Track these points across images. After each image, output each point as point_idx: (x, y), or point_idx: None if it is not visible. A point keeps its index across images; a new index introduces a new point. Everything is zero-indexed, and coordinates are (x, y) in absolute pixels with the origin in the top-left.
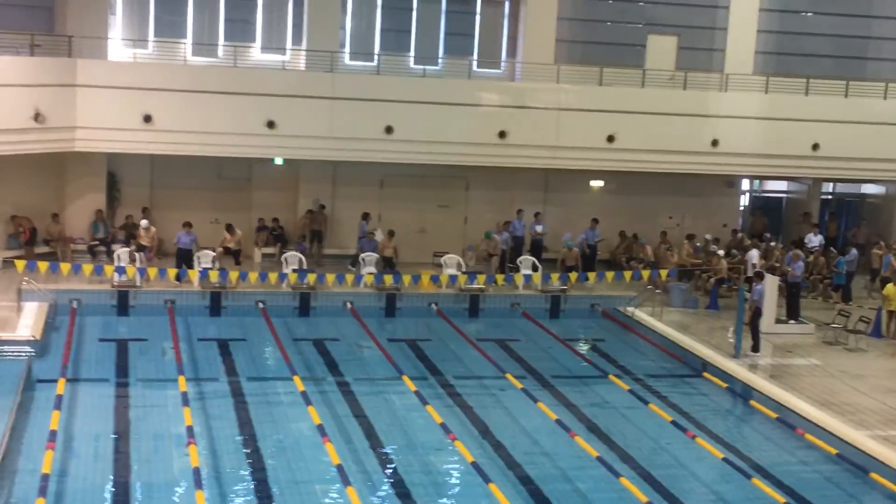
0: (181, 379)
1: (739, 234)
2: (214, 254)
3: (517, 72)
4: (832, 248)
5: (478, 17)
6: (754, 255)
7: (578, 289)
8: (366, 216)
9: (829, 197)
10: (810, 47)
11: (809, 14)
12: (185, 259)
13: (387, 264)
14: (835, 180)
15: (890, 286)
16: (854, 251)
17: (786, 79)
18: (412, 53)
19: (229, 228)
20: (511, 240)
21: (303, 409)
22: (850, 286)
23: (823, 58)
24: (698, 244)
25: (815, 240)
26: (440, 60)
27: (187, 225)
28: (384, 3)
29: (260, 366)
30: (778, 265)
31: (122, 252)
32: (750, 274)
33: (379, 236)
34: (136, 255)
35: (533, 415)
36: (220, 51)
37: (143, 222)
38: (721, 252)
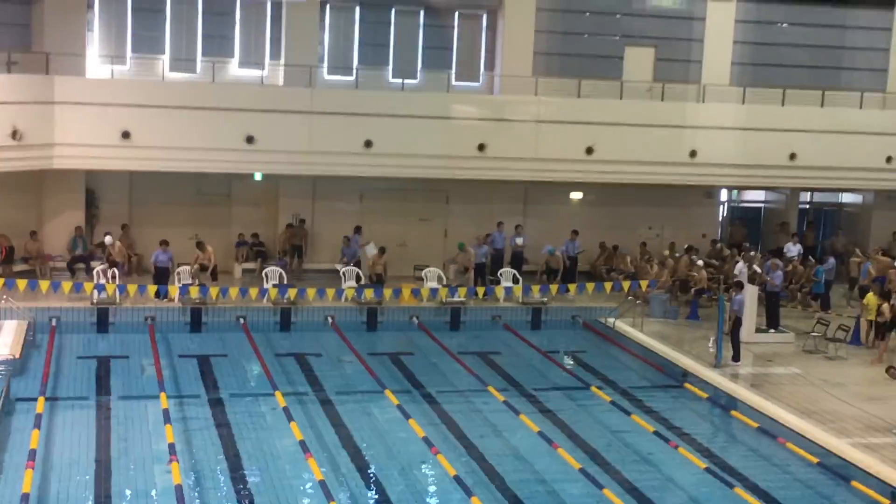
0: (162, 396)
1: (718, 245)
2: (188, 267)
3: (496, 85)
4: (811, 258)
5: (456, 31)
6: (741, 268)
7: (559, 300)
8: (358, 229)
9: (807, 206)
10: (786, 58)
11: (785, 25)
12: (163, 277)
13: (377, 281)
14: (812, 190)
15: (870, 295)
16: (832, 260)
17: (762, 89)
18: (390, 67)
19: (199, 246)
20: (491, 252)
21: (285, 424)
22: (828, 295)
23: (799, 68)
24: (695, 257)
25: (793, 249)
26: (419, 74)
27: (164, 243)
28: (362, 17)
29: (241, 381)
30: (758, 274)
31: (101, 269)
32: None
33: (371, 250)
34: (109, 272)
35: (515, 427)
36: (199, 66)
37: (107, 238)
38: (700, 262)
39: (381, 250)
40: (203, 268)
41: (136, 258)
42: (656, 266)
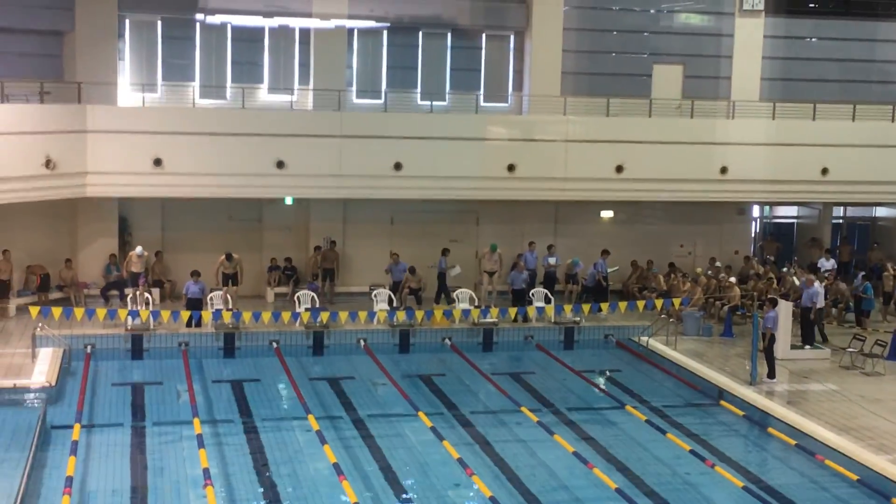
0: (196, 421)
1: (754, 260)
2: (221, 291)
3: (524, 105)
4: (846, 273)
5: (483, 52)
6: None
7: (592, 320)
8: (445, 252)
9: (840, 221)
10: (816, 72)
11: (814, 39)
12: (194, 308)
13: (413, 293)
14: (845, 204)
15: None
16: (861, 275)
17: (792, 104)
18: (419, 90)
19: (228, 257)
20: (528, 277)
21: (318, 448)
22: (864, 310)
23: (829, 82)
24: (724, 275)
25: (827, 264)
26: (447, 96)
27: (195, 274)
28: (390, 40)
29: (275, 406)
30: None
31: (136, 292)
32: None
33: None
34: (142, 297)
35: (550, 447)
36: (228, 93)
37: (138, 249)
38: (733, 279)
39: (411, 270)
40: (226, 277)
41: (169, 284)
42: (689, 283)
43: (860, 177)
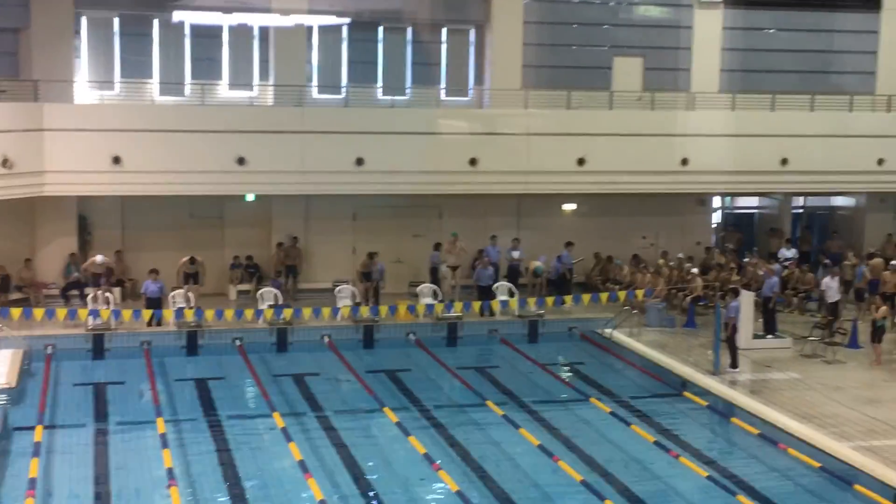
0: (160, 420)
1: (715, 251)
2: (183, 289)
3: (485, 99)
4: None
5: (444, 46)
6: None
7: (556, 313)
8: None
9: (801, 211)
10: (775, 63)
11: (772, 31)
12: (154, 307)
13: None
14: (805, 194)
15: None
16: (823, 264)
17: (752, 95)
18: (380, 84)
19: (191, 260)
20: (493, 273)
21: (284, 445)
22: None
23: (788, 73)
24: (688, 265)
25: (787, 253)
26: (408, 90)
27: (154, 272)
28: (350, 35)
29: (239, 403)
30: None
31: (97, 294)
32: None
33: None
34: (103, 296)
35: (515, 441)
36: (188, 89)
37: (98, 257)
38: (695, 270)
39: (369, 255)
40: (187, 276)
41: (129, 283)
42: (649, 275)
43: (819, 167)
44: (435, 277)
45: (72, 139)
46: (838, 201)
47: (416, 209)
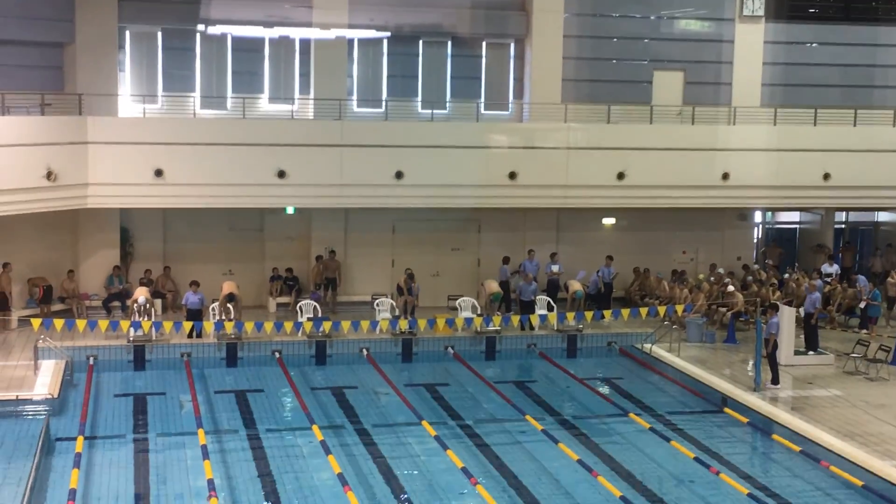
0: (200, 432)
1: (755, 267)
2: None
3: (525, 112)
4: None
5: (483, 60)
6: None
7: (595, 327)
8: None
9: (843, 226)
10: (816, 77)
11: (814, 45)
12: (194, 319)
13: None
14: (847, 209)
15: None
16: (862, 278)
17: (793, 109)
18: (419, 98)
19: (230, 297)
20: (536, 288)
21: (322, 458)
22: (870, 316)
23: (830, 87)
24: (728, 280)
25: (830, 269)
26: (447, 104)
27: (194, 284)
28: (390, 49)
29: (278, 416)
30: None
31: (140, 299)
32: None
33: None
34: (144, 307)
35: (554, 456)
36: (229, 103)
37: (141, 298)
38: (732, 287)
39: (408, 273)
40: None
41: (170, 295)
42: (686, 290)
43: (862, 182)
44: (507, 292)
45: (115, 152)
46: (882, 217)
47: (455, 223)
